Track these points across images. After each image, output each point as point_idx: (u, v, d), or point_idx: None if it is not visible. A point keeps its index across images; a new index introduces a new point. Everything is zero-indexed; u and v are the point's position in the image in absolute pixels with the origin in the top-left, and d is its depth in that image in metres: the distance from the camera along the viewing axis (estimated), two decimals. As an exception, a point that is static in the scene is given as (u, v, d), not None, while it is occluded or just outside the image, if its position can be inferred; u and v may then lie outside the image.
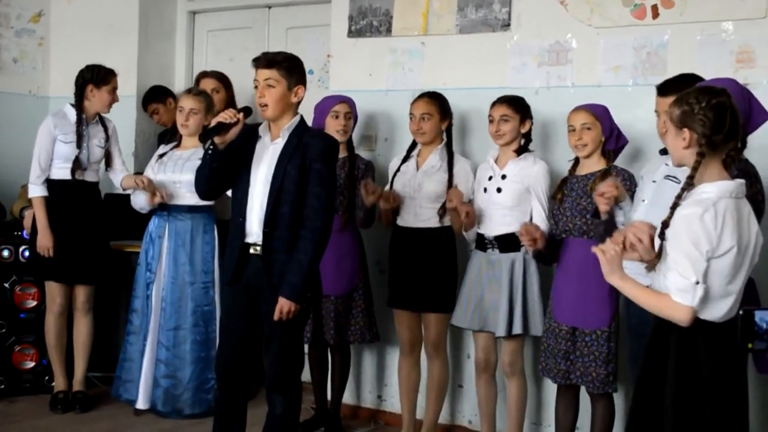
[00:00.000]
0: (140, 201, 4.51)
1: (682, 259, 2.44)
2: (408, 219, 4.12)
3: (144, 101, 5.49)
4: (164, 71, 5.74)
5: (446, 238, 4.08)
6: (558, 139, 4.06)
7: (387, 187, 4.19)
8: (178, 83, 5.74)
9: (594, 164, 3.62)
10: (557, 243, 3.67)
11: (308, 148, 3.23)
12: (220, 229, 4.44)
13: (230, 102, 4.98)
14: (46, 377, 4.80)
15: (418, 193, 4.08)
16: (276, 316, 3.18)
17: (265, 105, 3.23)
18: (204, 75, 5.11)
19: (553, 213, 3.72)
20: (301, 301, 3.20)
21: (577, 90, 4.12)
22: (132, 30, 5.58)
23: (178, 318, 4.46)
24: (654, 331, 2.62)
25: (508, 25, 4.34)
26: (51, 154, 4.49)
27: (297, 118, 3.30)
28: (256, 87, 3.26)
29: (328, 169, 3.27)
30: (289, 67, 3.25)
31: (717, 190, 2.48)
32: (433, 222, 4.06)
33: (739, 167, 2.76)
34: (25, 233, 4.72)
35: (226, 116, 3.16)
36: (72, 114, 4.53)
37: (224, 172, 3.26)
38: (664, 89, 3.28)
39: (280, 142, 3.27)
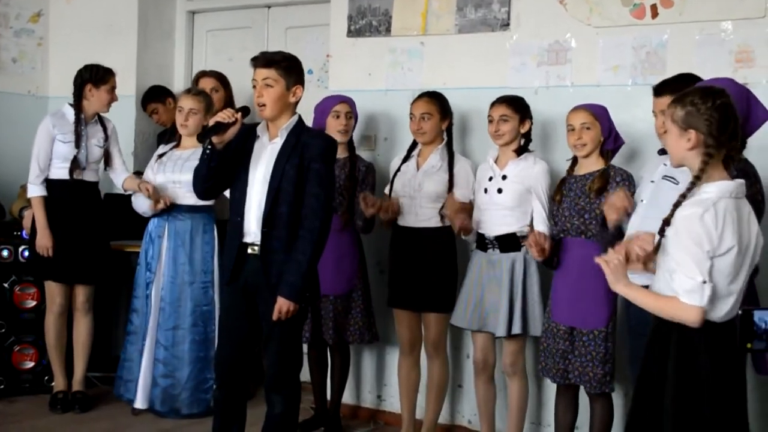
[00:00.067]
0: (143, 205, 4.51)
1: (687, 260, 2.44)
2: (408, 219, 4.12)
3: (143, 101, 5.50)
4: (163, 71, 5.74)
5: (446, 237, 4.08)
6: (557, 139, 4.06)
7: (387, 188, 4.19)
8: (178, 83, 5.74)
9: (593, 164, 3.62)
10: (556, 243, 3.67)
11: (307, 148, 3.23)
12: (220, 229, 4.44)
13: (229, 102, 4.98)
14: (46, 377, 4.80)
15: (419, 193, 4.08)
16: (275, 316, 3.18)
17: (264, 104, 3.23)
18: (203, 74, 5.11)
19: (552, 213, 3.72)
20: (299, 301, 3.21)
21: (577, 90, 4.12)
22: (131, 30, 5.58)
23: (177, 318, 4.46)
24: (654, 332, 2.62)
25: (508, 24, 4.35)
26: (50, 154, 4.49)
27: (295, 118, 3.30)
28: (254, 86, 3.26)
29: (327, 169, 3.27)
30: (287, 67, 3.25)
31: (717, 190, 2.49)
32: (433, 222, 4.06)
33: (738, 167, 2.76)
34: (25, 233, 4.72)
35: (224, 116, 3.16)
36: (71, 114, 4.52)
37: (222, 171, 3.26)
38: (661, 89, 3.28)
39: (279, 142, 3.27)
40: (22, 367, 4.83)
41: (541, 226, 3.74)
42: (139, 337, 4.53)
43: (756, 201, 2.85)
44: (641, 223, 3.16)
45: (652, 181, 3.27)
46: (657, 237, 2.58)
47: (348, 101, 4.32)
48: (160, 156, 4.60)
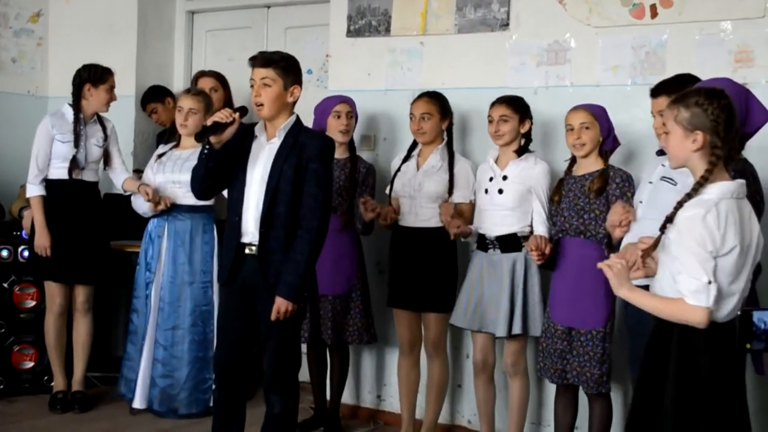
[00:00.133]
0: (143, 206, 4.50)
1: (691, 261, 2.44)
2: (408, 219, 4.12)
3: (143, 101, 5.50)
4: (163, 71, 5.73)
5: (446, 237, 4.06)
6: (557, 139, 4.06)
7: (387, 188, 4.19)
8: (177, 83, 5.74)
9: (591, 164, 3.62)
10: (555, 244, 3.67)
11: (304, 148, 3.23)
12: (220, 229, 4.43)
13: (228, 102, 4.98)
14: (45, 377, 4.80)
15: (419, 193, 4.08)
16: (273, 316, 3.18)
17: (261, 104, 3.23)
18: (202, 74, 5.11)
19: (550, 214, 3.72)
20: (298, 301, 3.21)
21: (576, 90, 4.12)
22: (131, 30, 5.58)
23: (177, 318, 4.46)
24: (654, 331, 2.62)
25: (507, 24, 4.35)
26: (49, 154, 4.49)
27: (293, 118, 3.30)
28: (252, 86, 3.26)
29: (325, 169, 3.27)
30: (285, 67, 3.25)
31: (718, 191, 2.49)
32: (433, 222, 4.06)
33: (737, 167, 2.77)
34: (24, 233, 4.72)
35: (222, 116, 3.16)
36: (70, 114, 4.52)
37: (220, 171, 3.26)
38: (657, 90, 3.28)
39: (276, 142, 3.27)
40: (22, 367, 4.83)
41: (541, 227, 3.74)
42: (139, 337, 4.53)
43: (755, 201, 2.85)
44: (640, 224, 3.16)
45: (651, 182, 3.27)
46: (657, 233, 2.58)
47: (348, 101, 4.32)
48: (160, 156, 4.60)
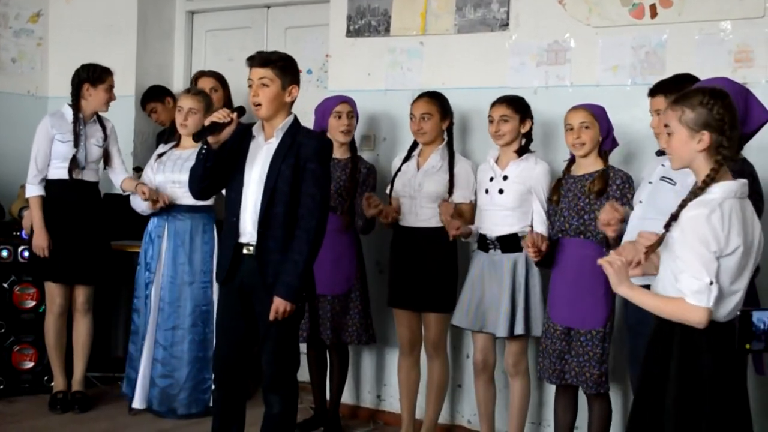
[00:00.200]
0: (141, 204, 4.50)
1: (693, 261, 2.43)
2: (409, 219, 4.11)
3: (142, 100, 5.50)
4: (163, 71, 5.73)
5: (447, 238, 4.06)
6: (557, 139, 4.06)
7: (388, 188, 4.19)
8: (177, 83, 5.74)
9: (591, 164, 3.61)
10: (553, 244, 3.67)
11: (302, 148, 3.23)
12: (220, 229, 4.43)
13: (228, 102, 4.98)
14: (45, 377, 4.81)
15: (419, 193, 4.08)
16: (272, 316, 3.18)
17: (259, 104, 3.23)
18: (201, 74, 5.11)
19: (549, 214, 3.71)
20: (296, 301, 3.21)
21: (576, 90, 4.12)
22: (131, 30, 5.58)
23: (177, 318, 4.46)
24: (656, 331, 2.61)
25: (507, 24, 4.34)
26: (48, 155, 4.49)
27: (291, 118, 3.30)
28: (250, 86, 3.26)
29: (323, 169, 3.27)
30: (283, 67, 3.25)
31: (722, 190, 2.48)
32: (433, 222, 4.05)
33: (736, 168, 2.76)
34: (24, 233, 4.72)
35: (220, 116, 3.16)
36: (69, 114, 4.53)
37: (218, 171, 3.26)
38: (655, 90, 3.28)
39: (274, 142, 3.27)
40: (22, 367, 4.83)
41: (541, 227, 3.73)
42: (139, 336, 4.53)
43: (754, 200, 2.84)
44: (639, 225, 3.16)
45: (650, 182, 3.27)
46: (662, 231, 2.58)
47: (349, 101, 4.32)
48: (160, 155, 4.60)
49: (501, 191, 3.84)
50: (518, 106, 3.87)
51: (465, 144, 4.42)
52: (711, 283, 2.43)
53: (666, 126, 2.60)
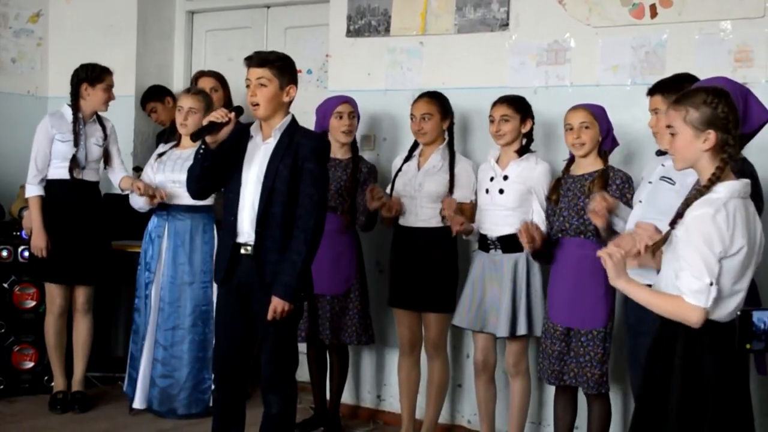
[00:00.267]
0: (139, 201, 4.50)
1: (696, 261, 2.43)
2: (409, 219, 4.11)
3: (142, 100, 5.50)
4: (163, 71, 5.73)
5: (447, 238, 4.07)
6: (557, 139, 4.06)
7: (389, 188, 4.19)
8: (177, 83, 5.74)
9: (590, 164, 3.61)
10: (553, 243, 3.67)
11: (300, 148, 3.23)
12: (219, 229, 4.43)
13: (227, 101, 4.99)
14: (45, 377, 4.81)
15: (419, 193, 4.08)
16: (270, 316, 3.18)
17: (257, 104, 3.23)
18: (201, 74, 5.11)
19: (548, 213, 3.71)
20: (294, 301, 3.21)
21: (576, 89, 4.12)
22: (130, 30, 5.58)
23: (177, 318, 4.46)
24: (660, 331, 2.60)
25: (507, 24, 4.34)
26: (48, 155, 4.49)
27: (288, 118, 3.30)
28: (248, 86, 3.26)
29: (320, 169, 3.27)
30: (281, 67, 3.25)
31: (726, 190, 2.48)
32: (434, 222, 4.06)
33: (736, 167, 2.76)
34: (24, 233, 4.72)
35: (218, 116, 3.17)
36: (69, 114, 4.53)
37: (216, 171, 3.26)
38: (653, 90, 3.29)
39: (272, 142, 3.27)
40: (22, 367, 4.83)
41: (541, 227, 3.73)
42: (140, 336, 4.53)
43: (755, 201, 2.84)
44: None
45: (650, 182, 3.27)
46: (666, 228, 2.57)
47: (350, 101, 4.31)
48: (160, 155, 4.60)
49: (501, 191, 3.84)
50: (519, 105, 3.87)
51: (465, 144, 4.42)
52: (711, 284, 2.43)
53: (669, 127, 2.58)
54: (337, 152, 4.29)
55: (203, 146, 3.21)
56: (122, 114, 5.26)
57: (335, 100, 4.32)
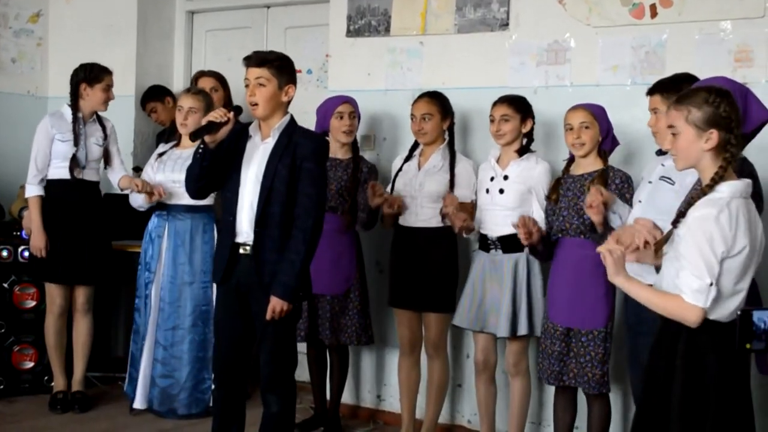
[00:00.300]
0: (138, 200, 4.51)
1: (697, 260, 2.43)
2: (409, 218, 4.11)
3: (142, 100, 5.50)
4: (163, 71, 5.73)
5: (447, 238, 4.08)
6: (557, 139, 4.06)
7: (389, 187, 4.19)
8: (177, 83, 5.74)
9: (590, 164, 3.61)
10: (552, 242, 3.67)
11: (298, 148, 3.23)
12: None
13: (228, 101, 4.99)
14: (45, 377, 4.81)
15: (420, 193, 4.08)
16: (268, 316, 3.18)
17: (256, 104, 3.23)
18: (201, 74, 5.11)
19: (547, 213, 3.71)
20: (293, 301, 3.21)
21: (576, 89, 4.12)
22: (130, 30, 5.58)
23: (177, 318, 4.46)
24: (661, 331, 2.60)
25: (507, 24, 4.34)
26: (48, 155, 4.49)
27: (287, 118, 3.30)
28: (246, 86, 3.26)
29: (319, 169, 3.27)
30: (280, 66, 3.25)
31: (729, 190, 2.48)
32: (434, 222, 4.06)
33: (736, 167, 2.76)
34: (24, 233, 4.72)
35: (217, 115, 3.17)
36: (68, 113, 4.53)
37: (215, 171, 3.26)
38: (652, 89, 3.29)
39: (271, 142, 3.27)
40: (22, 367, 4.83)
41: (540, 226, 3.73)
42: (140, 336, 4.53)
43: (755, 200, 2.84)
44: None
45: (650, 182, 3.27)
46: (669, 227, 2.57)
47: (351, 101, 4.31)
48: (160, 155, 4.60)
49: (501, 191, 3.84)
50: (519, 105, 3.87)
51: (465, 144, 4.42)
52: (711, 284, 2.43)
53: (671, 127, 2.58)
54: (338, 152, 4.29)
55: (202, 146, 3.21)
56: (122, 114, 5.26)
57: (336, 100, 4.32)
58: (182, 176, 4.31)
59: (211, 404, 4.26)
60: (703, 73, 3.29)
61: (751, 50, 3.78)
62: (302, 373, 4.55)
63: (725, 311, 2.50)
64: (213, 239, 4.49)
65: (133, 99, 5.50)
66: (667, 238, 2.57)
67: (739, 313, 2.48)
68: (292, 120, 3.32)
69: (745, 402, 2.57)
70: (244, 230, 3.25)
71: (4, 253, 4.81)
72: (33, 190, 4.49)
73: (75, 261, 4.51)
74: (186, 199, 4.38)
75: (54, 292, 4.56)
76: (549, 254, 3.70)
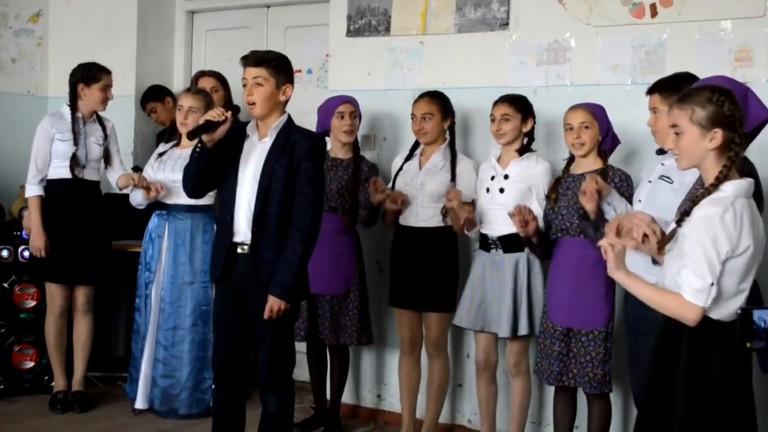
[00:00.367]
0: (138, 197, 4.51)
1: (700, 259, 2.42)
2: (410, 218, 4.11)
3: (142, 100, 5.50)
4: (163, 71, 5.74)
5: (448, 237, 4.08)
6: (557, 138, 4.05)
7: (389, 186, 4.19)
8: (177, 83, 5.74)
9: (590, 163, 3.61)
10: (550, 242, 3.67)
11: (296, 147, 3.23)
12: (219, 229, 4.44)
13: (228, 101, 4.98)
14: (46, 377, 4.80)
15: (420, 193, 4.08)
16: (266, 315, 3.18)
17: (253, 103, 3.24)
18: (202, 74, 5.11)
19: (546, 212, 3.71)
20: (291, 300, 3.21)
21: (576, 89, 4.12)
22: (131, 30, 5.58)
23: (177, 318, 4.46)
24: (663, 331, 2.60)
25: (507, 24, 4.34)
26: (49, 155, 4.49)
27: (284, 117, 3.31)
28: (244, 85, 3.27)
29: (316, 168, 3.27)
30: (277, 66, 3.26)
31: (733, 189, 2.48)
32: (434, 221, 4.06)
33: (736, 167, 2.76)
34: (25, 233, 4.71)
35: (215, 114, 3.17)
36: (68, 113, 4.53)
37: (212, 170, 3.26)
38: (652, 88, 3.28)
39: (268, 141, 3.27)
40: (22, 367, 4.83)
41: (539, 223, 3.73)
42: (141, 336, 4.53)
43: (756, 200, 2.84)
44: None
45: (650, 181, 3.27)
46: (673, 225, 2.57)
47: (351, 101, 4.31)
48: (161, 155, 4.60)
49: (502, 190, 3.84)
50: (520, 105, 3.87)
51: (466, 143, 4.42)
52: (712, 284, 2.42)
53: (674, 126, 2.57)
54: (339, 152, 4.29)
55: (200, 145, 3.21)
56: (122, 114, 5.27)
57: (337, 99, 4.32)
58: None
59: (211, 404, 4.26)
60: (703, 73, 3.28)
61: (751, 50, 3.78)
62: (302, 372, 4.56)
63: (728, 311, 2.49)
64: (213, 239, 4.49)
65: (133, 99, 5.50)
66: (671, 236, 2.56)
67: (739, 312, 2.48)
68: (290, 119, 3.33)
69: (747, 401, 2.57)
70: (242, 230, 3.25)
71: (4, 253, 4.81)
72: (33, 190, 4.49)
73: (75, 261, 4.51)
74: (186, 199, 4.37)
75: (54, 292, 4.56)
76: (547, 253, 3.70)
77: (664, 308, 2.52)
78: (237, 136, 3.30)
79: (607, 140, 3.63)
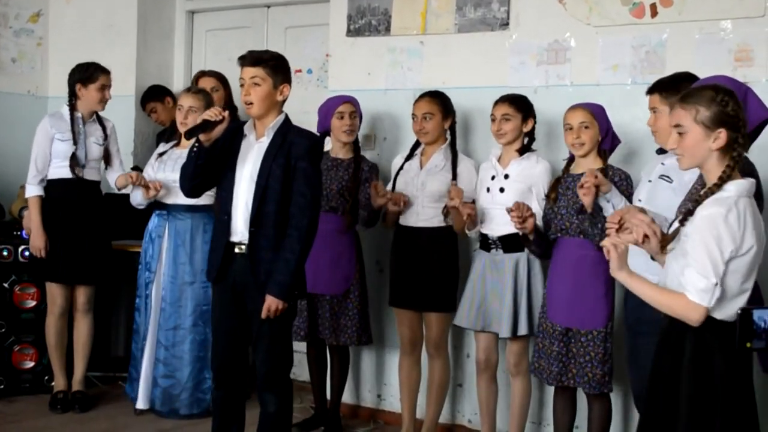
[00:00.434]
0: (137, 197, 4.51)
1: (704, 260, 2.42)
2: (410, 218, 4.11)
3: (142, 100, 5.51)
4: (163, 71, 5.74)
5: (448, 237, 4.08)
6: (557, 138, 4.05)
7: (389, 186, 4.19)
8: (177, 83, 5.75)
9: (590, 163, 3.61)
10: (549, 242, 3.67)
11: (293, 147, 3.24)
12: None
13: (228, 101, 4.99)
14: (46, 377, 4.81)
15: (421, 192, 4.08)
16: (264, 315, 3.19)
17: (251, 103, 3.25)
18: (202, 74, 5.11)
19: (546, 212, 3.71)
20: (288, 300, 3.22)
21: (576, 89, 4.12)
22: (131, 30, 5.58)
23: (178, 318, 4.46)
24: (666, 331, 2.59)
25: (507, 24, 4.34)
26: (49, 155, 4.49)
27: (282, 117, 3.31)
28: (241, 85, 3.28)
29: (313, 168, 3.28)
30: (274, 66, 3.27)
31: (736, 189, 2.47)
32: (435, 221, 4.06)
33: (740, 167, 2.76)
34: (25, 233, 4.71)
35: (212, 114, 3.17)
36: (67, 114, 4.53)
37: (209, 169, 3.27)
38: (652, 88, 3.28)
39: (265, 141, 3.28)
40: (22, 367, 4.83)
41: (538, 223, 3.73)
42: (141, 336, 4.53)
43: (756, 200, 2.84)
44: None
45: (650, 181, 3.27)
46: (676, 225, 2.57)
47: (352, 101, 4.31)
48: (161, 155, 4.60)
49: (502, 190, 3.84)
50: (520, 104, 3.87)
51: (466, 143, 4.42)
52: (716, 285, 2.42)
53: (677, 126, 2.56)
54: (339, 152, 4.29)
55: (197, 144, 3.21)
56: (122, 114, 5.27)
57: (337, 99, 4.32)
58: (181, 175, 4.34)
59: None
60: (703, 73, 3.28)
61: (751, 50, 3.78)
62: (302, 372, 4.56)
63: (731, 311, 2.48)
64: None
65: (133, 99, 5.51)
66: (674, 236, 2.56)
67: (739, 312, 2.47)
68: (287, 119, 3.33)
69: (750, 402, 2.57)
70: (239, 229, 3.26)
71: (4, 253, 4.81)
72: (33, 190, 4.49)
73: (75, 261, 4.51)
74: (186, 199, 4.38)
75: (54, 292, 4.56)
76: (545, 253, 3.70)
77: (668, 308, 2.51)
78: (234, 135, 3.30)
79: (606, 140, 3.63)
